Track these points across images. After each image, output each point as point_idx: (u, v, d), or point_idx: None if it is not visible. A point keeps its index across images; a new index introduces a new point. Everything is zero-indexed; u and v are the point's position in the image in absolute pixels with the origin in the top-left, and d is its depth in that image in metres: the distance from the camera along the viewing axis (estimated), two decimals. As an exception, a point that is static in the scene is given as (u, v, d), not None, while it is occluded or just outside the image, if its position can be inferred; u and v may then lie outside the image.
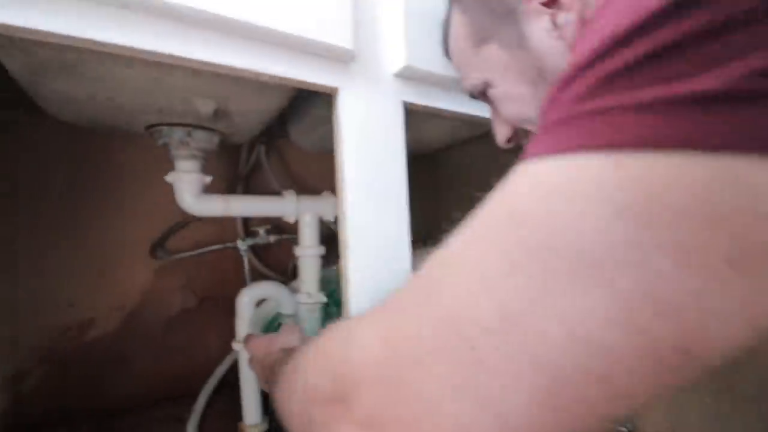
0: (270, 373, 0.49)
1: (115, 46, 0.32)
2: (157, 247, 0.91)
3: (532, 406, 0.17)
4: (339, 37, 0.41)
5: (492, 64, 0.41)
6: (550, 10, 0.36)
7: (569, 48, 0.35)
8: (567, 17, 0.34)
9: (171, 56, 0.34)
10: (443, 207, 1.23)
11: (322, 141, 0.85)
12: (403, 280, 0.49)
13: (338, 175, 0.45)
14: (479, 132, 0.92)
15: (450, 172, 1.19)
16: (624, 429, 0.71)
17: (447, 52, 0.49)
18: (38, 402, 0.81)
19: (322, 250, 0.84)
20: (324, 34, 0.40)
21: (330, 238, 0.87)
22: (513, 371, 0.17)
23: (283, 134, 0.91)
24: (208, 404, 0.94)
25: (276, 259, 1.06)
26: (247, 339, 0.67)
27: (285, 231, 0.99)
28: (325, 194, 0.85)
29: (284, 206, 0.78)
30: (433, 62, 0.50)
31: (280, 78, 0.40)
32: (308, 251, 0.82)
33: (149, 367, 0.93)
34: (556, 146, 0.19)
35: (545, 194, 0.18)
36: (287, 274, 1.08)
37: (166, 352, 0.95)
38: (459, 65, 0.46)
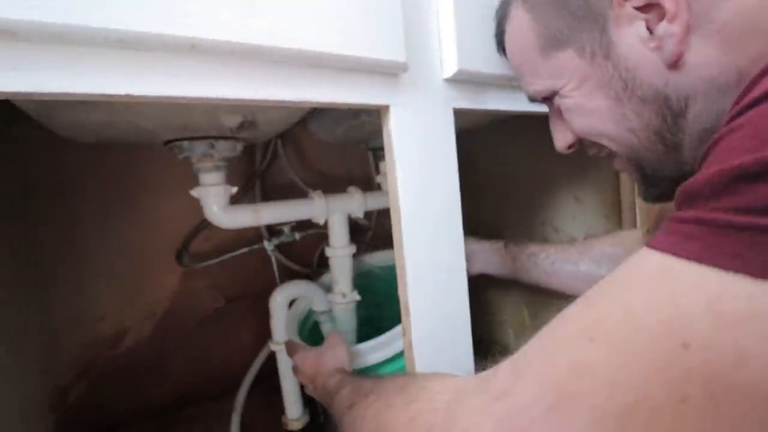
0: (327, 397, 0.47)
1: (148, 97, 0.27)
2: (182, 252, 0.88)
3: None
4: (390, 49, 0.36)
5: (565, 72, 0.36)
6: (645, 16, 0.31)
7: (668, 63, 0.30)
8: (669, 28, 0.29)
9: (208, 99, 0.30)
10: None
11: (346, 134, 0.80)
12: (462, 298, 0.46)
13: (392, 201, 0.41)
14: (489, 120, 0.86)
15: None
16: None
17: (501, 49, 0.44)
18: (82, 415, 0.81)
19: (353, 249, 0.81)
20: (374, 48, 0.35)
21: (352, 230, 0.84)
22: None
23: (299, 123, 0.86)
24: (247, 399, 0.95)
25: (300, 252, 1.04)
26: (291, 348, 0.66)
27: (309, 227, 0.96)
28: (351, 190, 0.81)
29: (314, 209, 0.74)
30: (487, 61, 0.45)
31: (327, 104, 0.35)
32: (340, 251, 0.80)
33: (185, 369, 0.94)
34: (736, 263, 0.16)
35: (730, 325, 0.16)
36: (312, 266, 1.07)
37: (199, 352, 0.95)
38: (520, 69, 0.41)
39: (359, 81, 0.37)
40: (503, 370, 0.24)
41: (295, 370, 0.63)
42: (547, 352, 0.22)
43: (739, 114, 0.19)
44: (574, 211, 0.87)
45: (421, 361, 0.42)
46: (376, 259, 0.99)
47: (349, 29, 0.33)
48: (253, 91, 0.31)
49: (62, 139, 0.62)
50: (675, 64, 0.30)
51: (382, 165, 0.87)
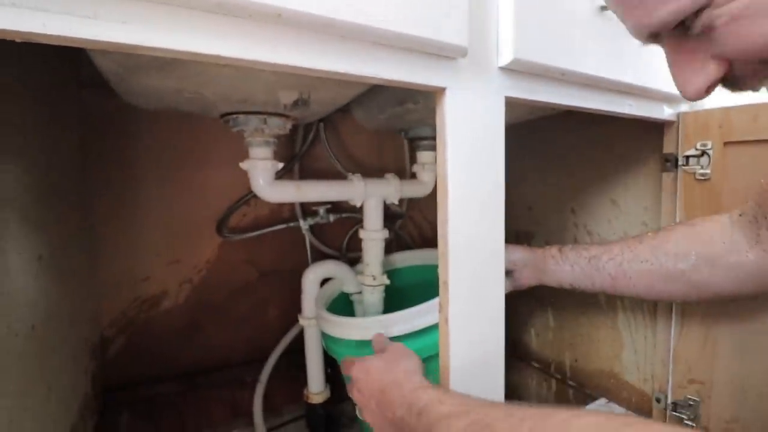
0: (412, 416, 0.40)
1: (236, 59, 0.29)
2: (223, 224, 0.92)
3: None
4: (454, 33, 0.37)
5: None
6: None
7: None
8: None
9: (286, 66, 0.32)
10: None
11: (389, 122, 0.81)
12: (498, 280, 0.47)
13: (440, 182, 0.43)
14: (529, 116, 0.85)
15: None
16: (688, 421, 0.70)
17: None
18: (121, 367, 0.87)
19: (386, 233, 0.83)
20: (438, 31, 0.36)
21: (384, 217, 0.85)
22: None
23: (341, 110, 0.88)
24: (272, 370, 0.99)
25: (331, 235, 1.07)
26: (348, 364, 0.55)
27: (342, 210, 0.99)
28: (389, 177, 0.83)
29: (352, 190, 0.76)
30: (542, 53, 0.45)
31: (388, 81, 0.37)
32: (373, 234, 0.82)
33: (215, 336, 0.98)
34: None
35: None
36: (341, 250, 1.09)
37: (230, 322, 0.99)
38: None
39: (420, 62, 0.38)
40: None
41: (352, 386, 0.52)
42: None
43: None
44: (610, 214, 0.86)
45: (456, 334, 0.43)
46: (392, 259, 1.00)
47: (416, 10, 0.35)
48: (324, 62, 0.33)
49: (125, 108, 0.66)
50: None
51: (419, 155, 0.88)
